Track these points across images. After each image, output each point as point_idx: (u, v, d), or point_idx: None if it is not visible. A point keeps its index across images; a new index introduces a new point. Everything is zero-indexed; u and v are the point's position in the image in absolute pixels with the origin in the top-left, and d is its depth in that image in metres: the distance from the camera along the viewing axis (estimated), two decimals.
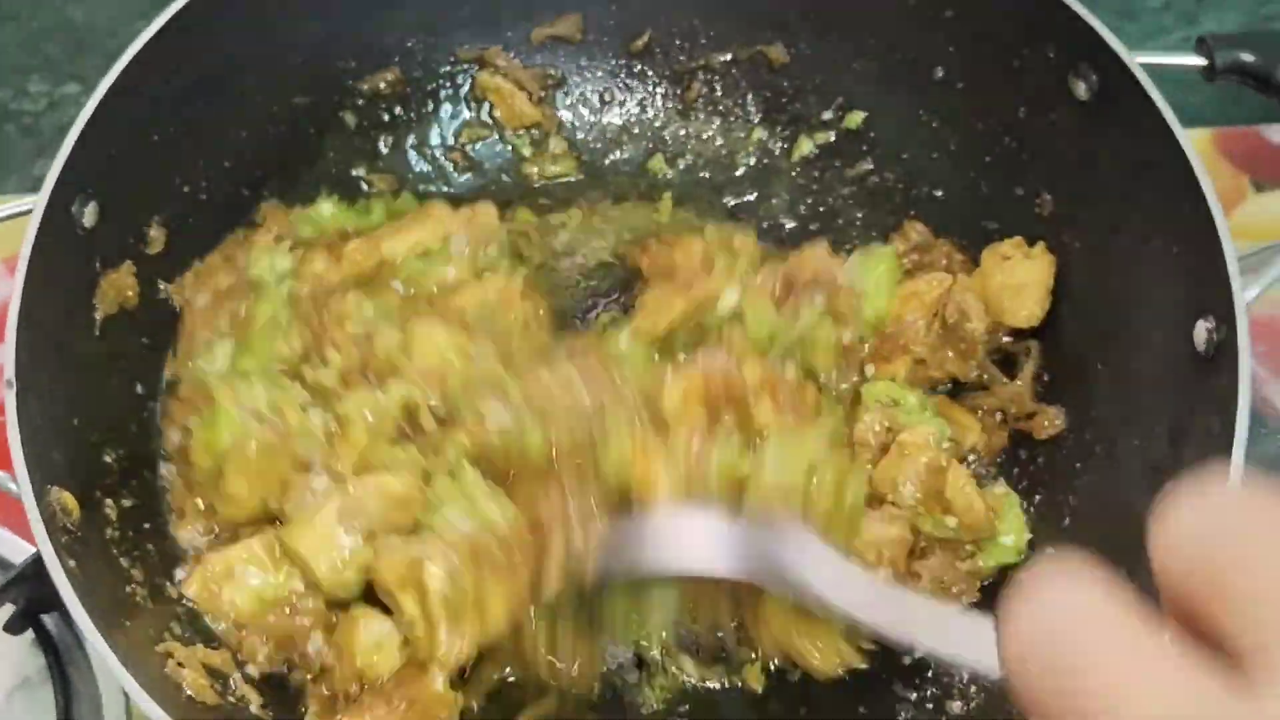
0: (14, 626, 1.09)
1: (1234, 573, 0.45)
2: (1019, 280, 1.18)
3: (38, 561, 0.96)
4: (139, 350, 1.14)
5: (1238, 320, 0.95)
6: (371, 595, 1.02)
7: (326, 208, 1.26)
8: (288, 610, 1.01)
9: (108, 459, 1.05)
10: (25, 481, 0.90)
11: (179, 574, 1.05)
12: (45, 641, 1.13)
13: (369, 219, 1.26)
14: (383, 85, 1.32)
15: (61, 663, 1.13)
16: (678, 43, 1.36)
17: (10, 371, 0.93)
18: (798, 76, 1.35)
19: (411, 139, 1.35)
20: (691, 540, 0.97)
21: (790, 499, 1.00)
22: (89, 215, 1.05)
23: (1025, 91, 1.19)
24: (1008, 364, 1.21)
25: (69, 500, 0.95)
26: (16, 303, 0.95)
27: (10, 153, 1.49)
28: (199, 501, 1.08)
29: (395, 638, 1.01)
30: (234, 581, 1.01)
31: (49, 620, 1.15)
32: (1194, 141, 1.03)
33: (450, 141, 1.36)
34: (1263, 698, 0.42)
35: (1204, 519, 0.46)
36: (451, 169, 1.35)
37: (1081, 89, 1.12)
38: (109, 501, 1.02)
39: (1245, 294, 0.97)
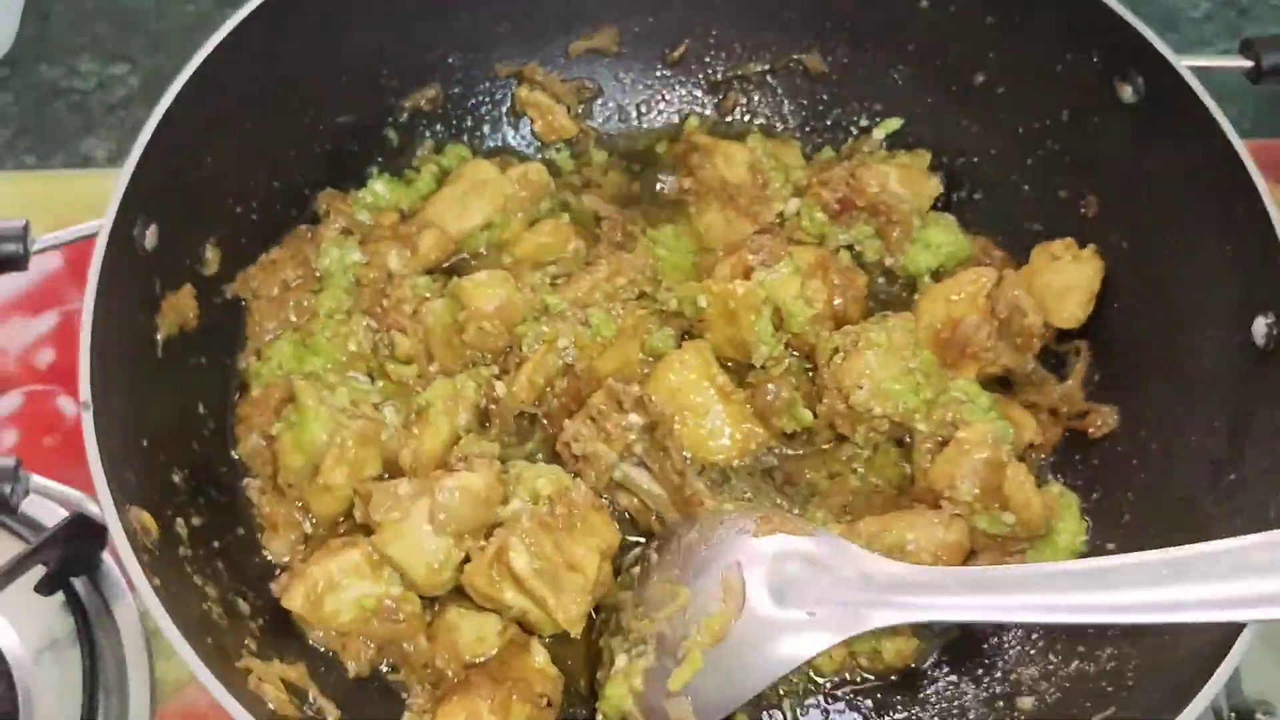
0: (44, 588, 1.11)
1: None
2: (1066, 281, 1.19)
3: (69, 525, 0.99)
4: (199, 370, 1.14)
5: None
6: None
7: (379, 186, 1.30)
8: (389, 615, 1.03)
9: (176, 479, 1.05)
10: (107, 501, 0.89)
11: (273, 587, 1.06)
12: (74, 604, 1.15)
13: (419, 188, 1.31)
14: (424, 103, 1.33)
15: (89, 625, 1.15)
16: (714, 53, 1.38)
17: (86, 393, 0.93)
18: (835, 85, 1.36)
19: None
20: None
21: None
22: (150, 237, 1.05)
23: (1069, 96, 1.20)
24: (1056, 365, 1.22)
25: (148, 519, 0.95)
26: (87, 326, 0.95)
27: (59, 130, 1.51)
28: (288, 511, 1.10)
29: (495, 626, 1.05)
30: (336, 592, 1.02)
31: (78, 584, 1.16)
32: None
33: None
34: None
35: None
36: None
37: (1128, 92, 1.14)
38: (180, 520, 1.02)
39: None
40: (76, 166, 1.48)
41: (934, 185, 1.28)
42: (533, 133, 1.38)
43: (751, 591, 0.98)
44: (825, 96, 1.37)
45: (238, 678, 0.92)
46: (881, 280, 1.29)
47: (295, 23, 1.16)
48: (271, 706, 0.92)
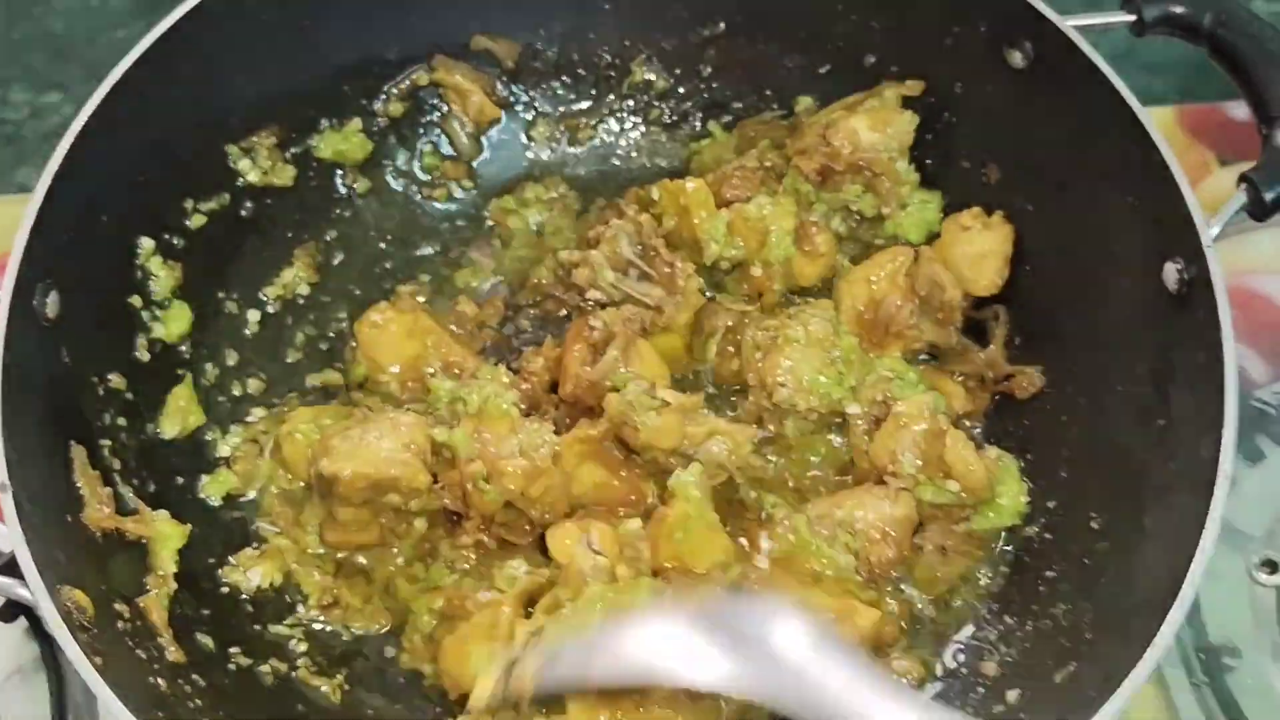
0: (6, 615, 1.05)
1: None
2: (979, 250, 1.21)
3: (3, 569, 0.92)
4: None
5: (1206, 255, 0.99)
6: None
7: None
8: None
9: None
10: (38, 583, 0.86)
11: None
12: (37, 629, 1.12)
13: None
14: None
15: (55, 650, 1.12)
16: (608, 59, 1.38)
17: (2, 474, 0.89)
18: (729, 78, 1.37)
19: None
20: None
21: None
22: (51, 305, 1.01)
23: (960, 67, 1.22)
24: (978, 332, 1.24)
25: (81, 598, 0.91)
26: None
27: None
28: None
29: None
30: None
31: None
32: (1157, 118, 1.07)
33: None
34: None
35: None
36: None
37: (1017, 58, 1.16)
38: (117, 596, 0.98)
39: (1210, 233, 1.00)
40: (12, 191, 1.49)
41: (908, 119, 1.26)
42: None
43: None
44: (716, 87, 1.38)
45: None
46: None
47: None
48: None
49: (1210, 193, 1.43)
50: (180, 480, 1.15)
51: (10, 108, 1.56)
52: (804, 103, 1.34)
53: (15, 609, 1.05)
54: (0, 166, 1.51)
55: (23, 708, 1.12)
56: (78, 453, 1.02)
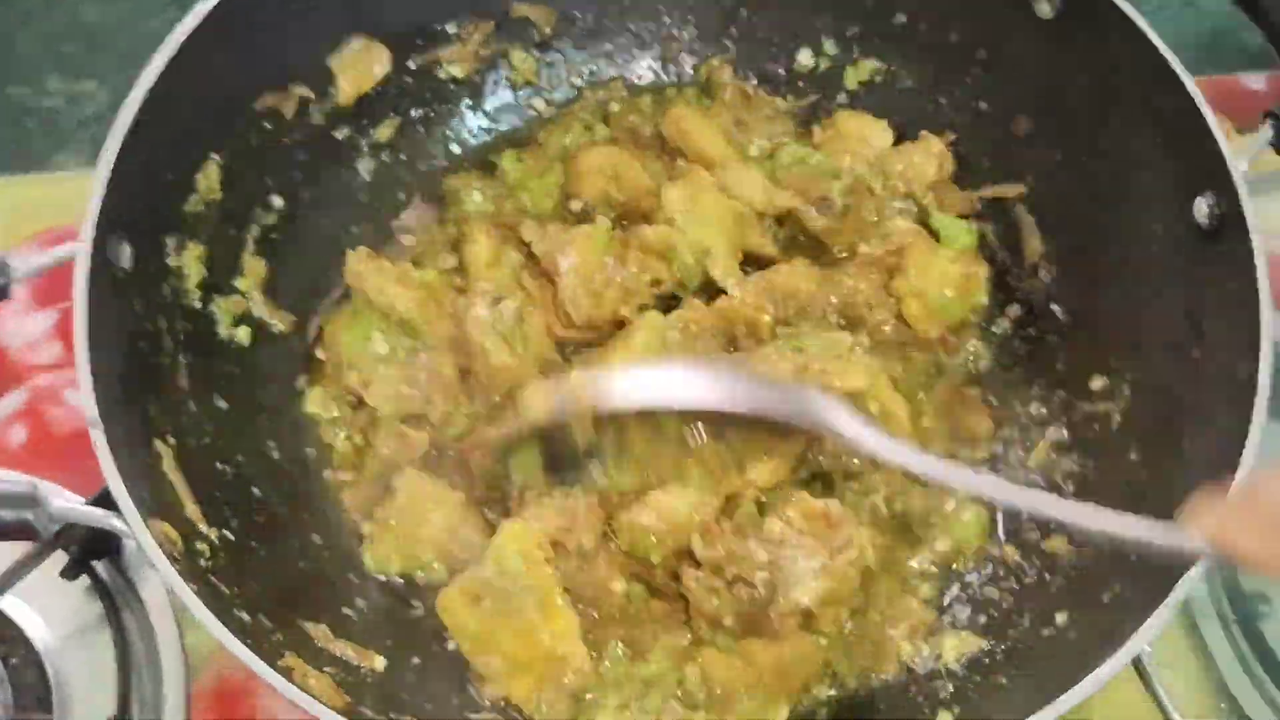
0: (69, 573, 1.11)
1: None
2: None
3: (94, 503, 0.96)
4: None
5: (1237, 187, 1.03)
6: None
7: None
8: None
9: (181, 494, 1.04)
10: (134, 517, 0.90)
11: None
12: (99, 588, 1.15)
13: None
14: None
15: (116, 607, 1.15)
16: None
17: (93, 412, 0.93)
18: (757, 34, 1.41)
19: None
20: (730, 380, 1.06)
21: None
22: (125, 257, 1.05)
23: (988, 20, 1.26)
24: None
25: (170, 531, 0.95)
26: (83, 349, 0.95)
27: (30, 147, 1.56)
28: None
29: None
30: None
31: (101, 567, 1.16)
32: None
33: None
34: None
35: None
36: None
37: (1045, 8, 1.20)
38: (198, 536, 1.02)
39: (1238, 168, 1.04)
40: (45, 170, 1.53)
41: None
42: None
43: None
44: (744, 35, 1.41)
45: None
46: None
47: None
48: (323, 700, 0.93)
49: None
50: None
51: (47, 95, 1.60)
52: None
53: (80, 567, 1.11)
54: (39, 151, 1.55)
55: (87, 666, 1.14)
56: (153, 402, 1.05)
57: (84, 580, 1.15)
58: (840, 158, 1.32)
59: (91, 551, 1.13)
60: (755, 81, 1.41)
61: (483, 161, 1.38)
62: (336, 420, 1.22)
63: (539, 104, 1.42)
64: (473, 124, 1.40)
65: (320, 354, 1.24)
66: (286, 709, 1.12)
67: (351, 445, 1.21)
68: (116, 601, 1.16)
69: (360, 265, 1.23)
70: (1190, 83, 1.08)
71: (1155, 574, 0.95)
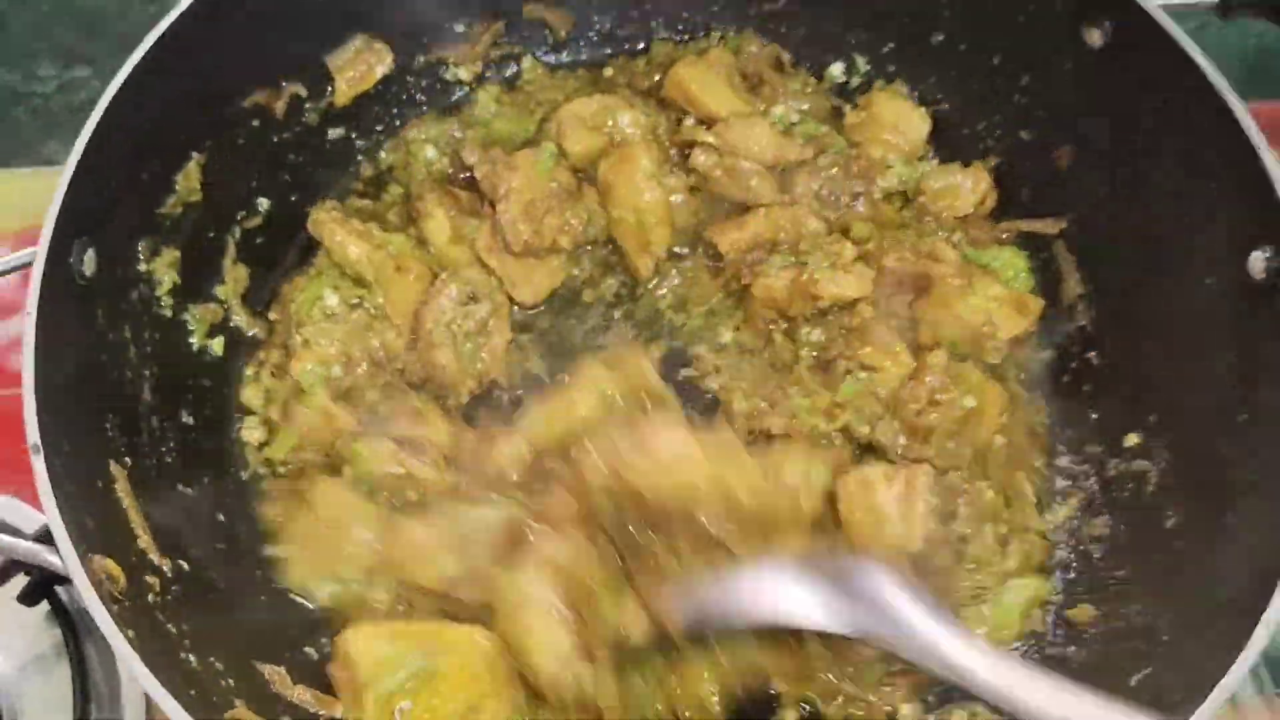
0: (27, 598, 1.05)
1: None
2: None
3: (49, 532, 0.88)
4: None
5: None
6: None
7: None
8: None
9: (133, 521, 0.97)
10: (69, 550, 0.82)
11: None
12: (60, 614, 1.09)
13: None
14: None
15: (77, 634, 1.09)
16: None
17: (34, 436, 0.85)
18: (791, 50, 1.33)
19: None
20: (793, 592, 0.92)
21: None
22: (88, 263, 0.97)
23: (1033, 46, 1.17)
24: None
25: (113, 567, 0.87)
26: (29, 366, 0.88)
27: (20, 133, 1.52)
28: None
29: None
30: None
31: (63, 592, 1.10)
32: None
33: None
34: None
35: None
36: None
37: (1096, 36, 1.11)
38: (146, 569, 0.94)
39: None
40: (41, 164, 1.48)
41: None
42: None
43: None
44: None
45: None
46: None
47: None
48: None
49: None
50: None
51: (38, 81, 1.55)
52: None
53: (40, 592, 1.05)
54: (27, 140, 1.50)
55: (44, 696, 1.09)
56: (110, 420, 0.98)
57: (44, 606, 1.08)
58: (872, 146, 1.24)
59: (53, 577, 1.05)
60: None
61: (449, 106, 1.32)
62: (264, 405, 1.15)
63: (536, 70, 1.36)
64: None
65: (273, 314, 1.18)
66: None
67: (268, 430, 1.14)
68: (77, 629, 1.10)
69: (323, 215, 1.18)
70: (1252, 126, 0.99)
71: (1189, 660, 0.87)
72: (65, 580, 1.06)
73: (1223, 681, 0.82)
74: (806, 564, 0.92)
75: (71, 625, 1.09)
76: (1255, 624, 0.83)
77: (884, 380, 1.13)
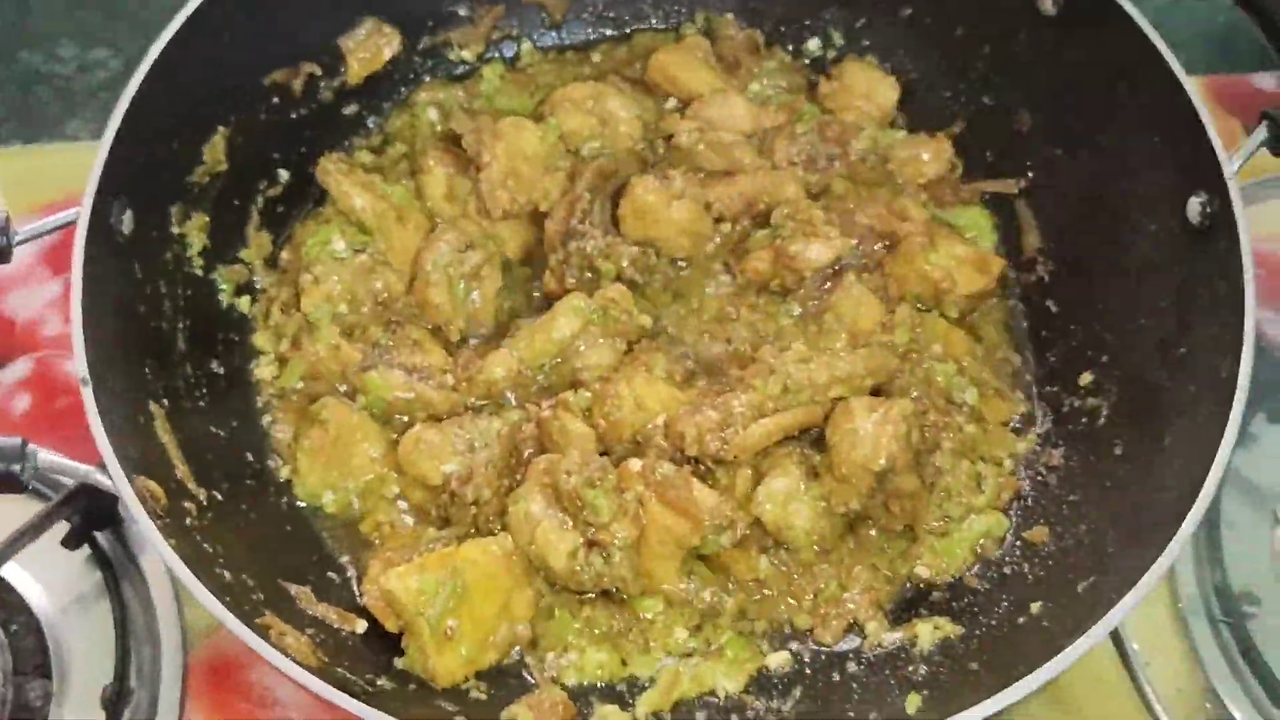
0: (70, 543, 1.13)
1: None
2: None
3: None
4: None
5: (1229, 187, 1.03)
6: None
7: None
8: None
9: (171, 453, 1.06)
10: (118, 473, 0.92)
11: None
12: (100, 558, 1.17)
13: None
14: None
15: (116, 577, 1.17)
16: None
17: (83, 369, 0.95)
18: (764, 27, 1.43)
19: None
20: None
21: None
22: (127, 222, 1.07)
23: (992, 15, 1.27)
24: None
25: (155, 488, 0.97)
26: (77, 310, 0.98)
27: (42, 113, 1.55)
28: None
29: None
30: None
31: (102, 537, 1.18)
32: None
33: None
34: None
35: None
36: None
37: (1048, 5, 1.20)
38: (184, 494, 1.04)
39: (1230, 167, 1.04)
40: (59, 139, 1.53)
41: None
42: None
43: None
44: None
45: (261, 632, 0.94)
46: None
47: None
48: (296, 658, 0.94)
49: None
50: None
51: (59, 63, 1.59)
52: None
53: (81, 536, 1.14)
54: (50, 118, 1.55)
55: (87, 635, 1.16)
56: (150, 364, 1.07)
57: (85, 550, 1.17)
58: (845, 113, 1.33)
59: (93, 521, 1.15)
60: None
61: (456, 76, 1.41)
62: (275, 343, 1.23)
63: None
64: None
65: (285, 255, 1.27)
66: (281, 682, 1.14)
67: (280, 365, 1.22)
68: (117, 572, 1.18)
69: (331, 165, 1.26)
70: (1188, 83, 1.08)
71: (1130, 566, 0.95)
72: (107, 525, 1.18)
73: (1154, 566, 0.91)
74: None
75: (111, 568, 1.17)
76: (1181, 524, 0.92)
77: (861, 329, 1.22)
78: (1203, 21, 1.18)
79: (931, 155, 1.32)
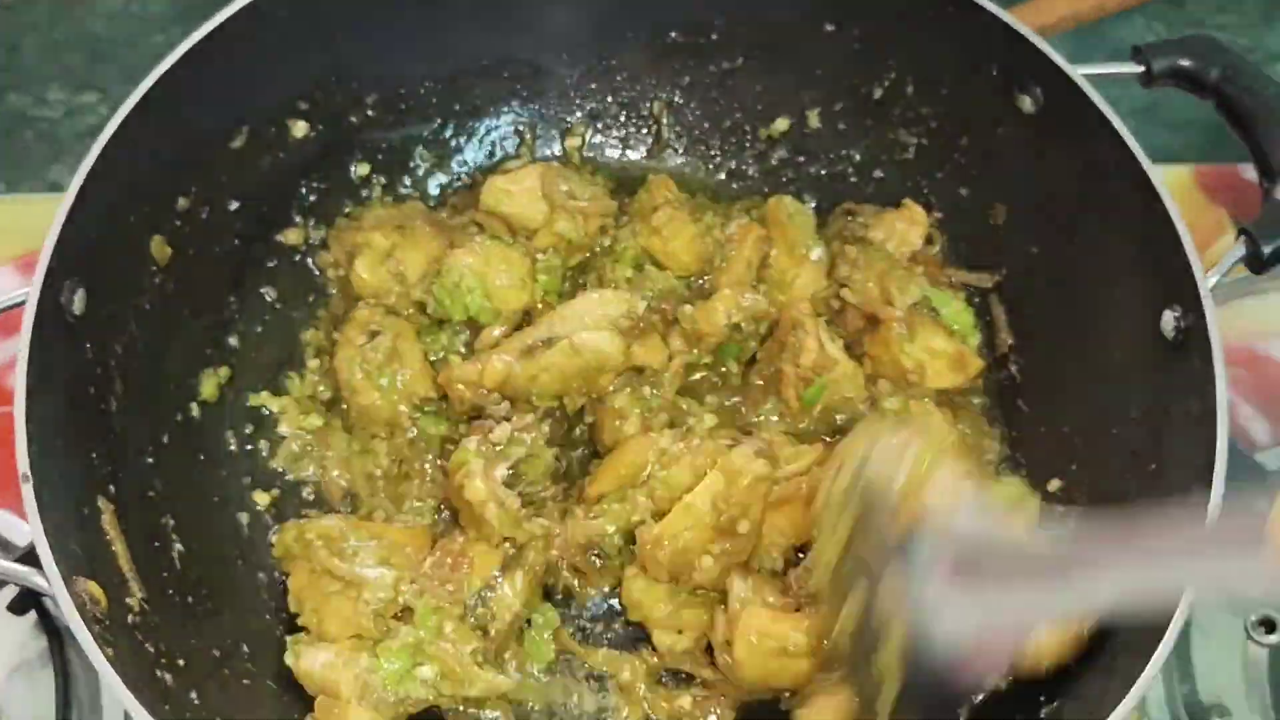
0: (17, 607, 1.10)
1: None
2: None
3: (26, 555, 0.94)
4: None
5: (1204, 303, 1.01)
6: None
7: None
8: None
9: (116, 548, 1.03)
10: (54, 573, 0.89)
11: None
12: (46, 623, 1.15)
13: None
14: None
15: (62, 645, 1.15)
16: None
17: (24, 465, 0.92)
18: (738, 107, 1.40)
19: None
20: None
21: None
22: (78, 302, 1.04)
23: (971, 108, 1.25)
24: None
25: (95, 589, 0.94)
26: (21, 397, 0.94)
27: (27, 157, 1.56)
28: None
29: None
30: None
31: (49, 603, 1.14)
32: (1174, 177, 1.07)
33: None
34: None
35: None
36: None
37: (1027, 103, 1.18)
38: (126, 592, 1.01)
39: (1207, 283, 1.03)
40: (47, 190, 1.52)
41: None
42: None
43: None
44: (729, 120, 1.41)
45: None
46: None
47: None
48: None
49: (1222, 252, 1.44)
50: None
51: (47, 106, 1.59)
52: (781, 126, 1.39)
53: (26, 602, 1.10)
54: (34, 164, 1.54)
55: (27, 702, 1.14)
56: (97, 451, 1.04)
57: (31, 616, 1.14)
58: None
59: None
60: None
61: None
62: None
63: None
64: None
65: None
66: None
67: None
68: (63, 639, 1.16)
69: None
70: (1166, 194, 1.06)
71: (1093, 694, 0.93)
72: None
73: (1124, 701, 0.89)
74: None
75: (57, 635, 1.15)
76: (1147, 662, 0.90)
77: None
78: (1195, 108, 1.17)
79: (908, 223, 1.30)
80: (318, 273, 1.32)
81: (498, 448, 1.12)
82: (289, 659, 1.08)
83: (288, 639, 1.10)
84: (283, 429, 1.25)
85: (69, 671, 1.14)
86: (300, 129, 1.27)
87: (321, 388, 1.27)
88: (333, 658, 1.05)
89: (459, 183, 1.39)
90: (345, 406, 1.24)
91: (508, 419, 1.15)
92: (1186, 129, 1.56)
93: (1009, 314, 1.27)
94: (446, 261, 1.23)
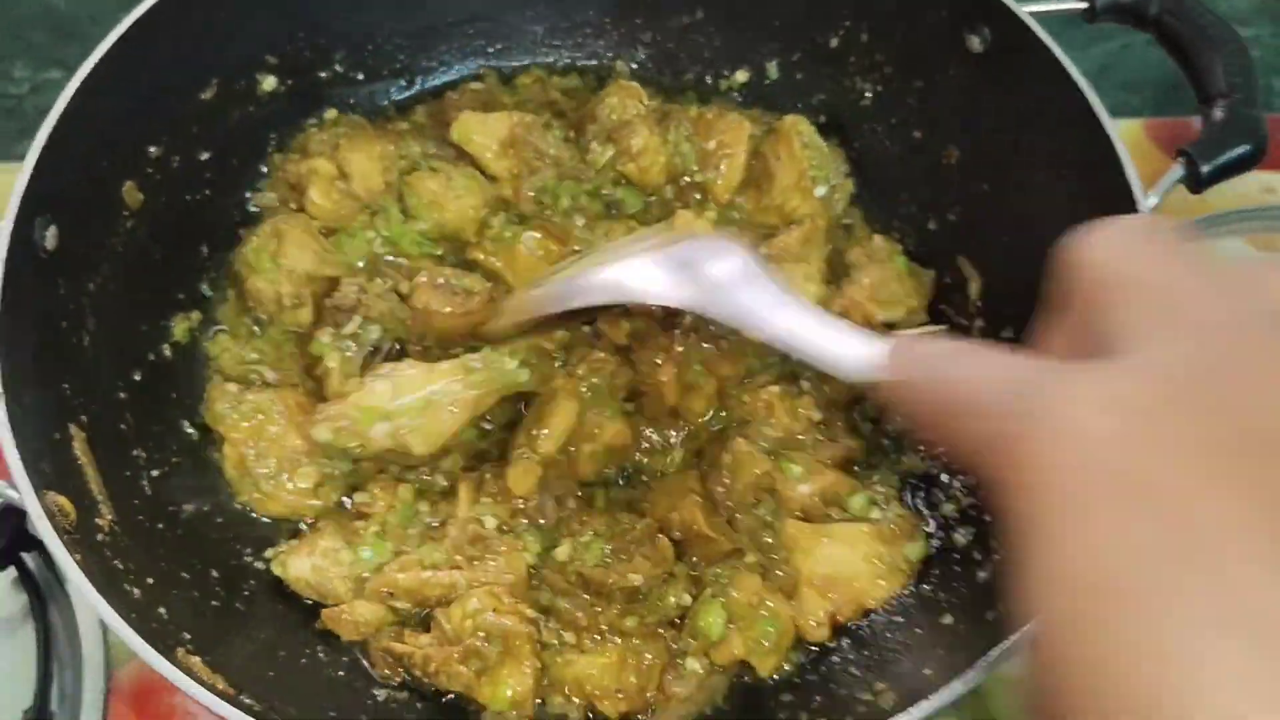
0: None
1: (1125, 283, 0.57)
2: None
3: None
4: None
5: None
6: None
7: None
8: None
9: (88, 472, 1.05)
10: (25, 484, 0.91)
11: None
12: (26, 580, 1.16)
13: None
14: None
15: (43, 600, 1.16)
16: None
17: None
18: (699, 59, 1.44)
19: None
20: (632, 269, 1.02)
21: None
22: (50, 239, 1.06)
23: (922, 51, 1.29)
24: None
25: (65, 503, 0.96)
26: None
27: None
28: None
29: None
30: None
31: (29, 559, 1.17)
32: (1126, 130, 1.09)
33: None
34: (1095, 368, 0.52)
35: (1110, 241, 0.59)
36: None
37: (976, 43, 1.22)
38: (96, 511, 1.03)
39: (1146, 202, 1.06)
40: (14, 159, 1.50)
41: None
42: None
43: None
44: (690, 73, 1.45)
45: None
46: None
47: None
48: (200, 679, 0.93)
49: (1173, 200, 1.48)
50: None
51: (12, 83, 1.62)
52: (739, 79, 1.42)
53: (6, 558, 1.12)
54: (2, 139, 1.57)
55: (8, 658, 1.15)
56: (69, 383, 1.07)
57: (11, 571, 1.16)
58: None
59: (21, 542, 1.13)
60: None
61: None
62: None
63: None
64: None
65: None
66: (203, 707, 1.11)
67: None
68: (43, 594, 1.18)
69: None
70: (1106, 118, 1.09)
71: None
72: (35, 546, 1.15)
73: None
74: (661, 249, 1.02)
75: (38, 591, 1.17)
76: None
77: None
78: (1153, 67, 1.20)
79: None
80: None
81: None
82: (276, 569, 1.11)
83: (266, 553, 1.13)
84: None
85: (50, 628, 1.16)
86: (269, 83, 1.31)
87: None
88: (318, 559, 1.09)
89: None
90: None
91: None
92: (1142, 88, 1.59)
93: (971, 259, 1.28)
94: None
